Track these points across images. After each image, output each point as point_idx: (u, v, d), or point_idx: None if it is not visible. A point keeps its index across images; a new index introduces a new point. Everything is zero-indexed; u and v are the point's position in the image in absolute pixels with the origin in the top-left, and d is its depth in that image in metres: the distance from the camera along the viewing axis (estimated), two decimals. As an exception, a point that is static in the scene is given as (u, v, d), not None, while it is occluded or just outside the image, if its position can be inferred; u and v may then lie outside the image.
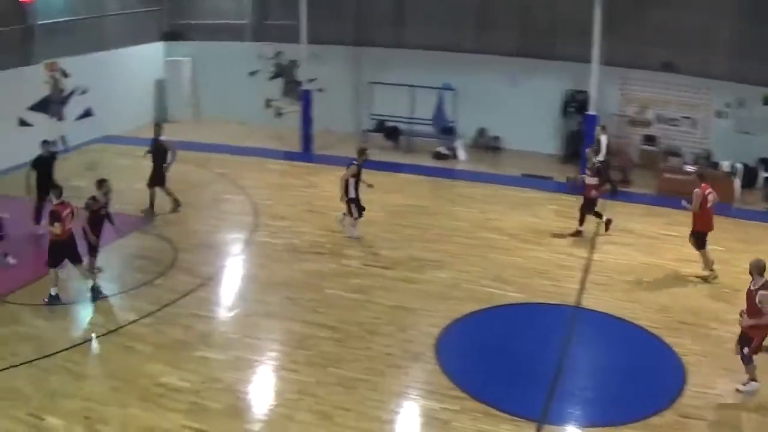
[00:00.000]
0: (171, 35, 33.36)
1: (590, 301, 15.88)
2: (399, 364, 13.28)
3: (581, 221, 19.37)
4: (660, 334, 14.36)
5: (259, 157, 26.99)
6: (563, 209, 20.09)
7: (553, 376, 13.03)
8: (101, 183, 16.96)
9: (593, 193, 19.18)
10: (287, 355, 13.85)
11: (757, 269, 12.60)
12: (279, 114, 30.35)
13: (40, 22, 27.80)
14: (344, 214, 19.53)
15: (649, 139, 25.12)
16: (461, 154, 26.42)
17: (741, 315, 12.61)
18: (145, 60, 32.31)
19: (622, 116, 25.47)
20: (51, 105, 27.86)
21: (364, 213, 19.45)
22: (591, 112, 23.50)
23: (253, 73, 30.46)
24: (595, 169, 19.31)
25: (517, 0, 26.64)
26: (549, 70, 25.82)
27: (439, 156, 25.89)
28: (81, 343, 14.67)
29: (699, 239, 17.23)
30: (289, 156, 27.14)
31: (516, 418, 11.92)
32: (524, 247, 18.86)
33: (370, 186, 19.65)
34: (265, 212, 21.35)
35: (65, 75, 28.32)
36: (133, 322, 15.40)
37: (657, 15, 24.68)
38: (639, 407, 12.25)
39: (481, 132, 27.49)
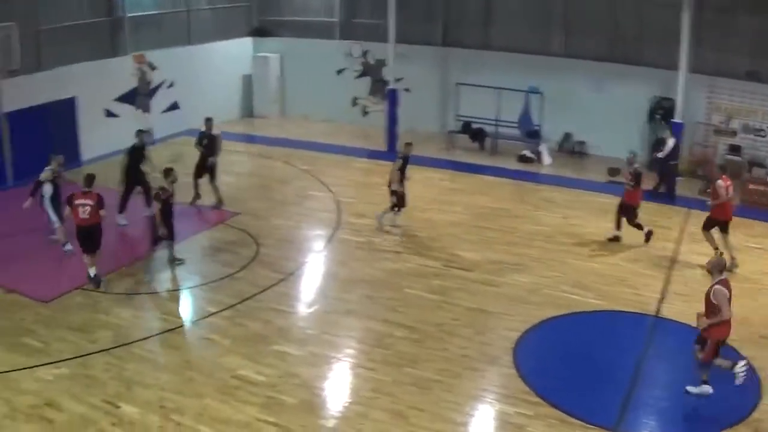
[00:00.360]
0: (259, 31, 33.70)
1: (670, 311, 15.51)
2: (475, 367, 13.19)
3: (617, 224, 19.04)
4: (739, 347, 14.02)
5: (344, 155, 27.11)
6: (646, 216, 19.70)
7: (629, 385, 12.81)
8: (168, 172, 17.32)
9: (632, 199, 18.83)
10: (364, 353, 13.85)
11: (717, 267, 12.44)
12: (365, 112, 30.60)
13: (129, 15, 28.36)
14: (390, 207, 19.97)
15: (734, 149, 24.55)
16: (546, 158, 26.15)
17: (698, 318, 12.34)
18: (233, 55, 32.70)
19: (708, 125, 24.93)
20: (138, 97, 28.52)
21: (402, 209, 19.98)
22: (677, 119, 23.05)
23: (340, 72, 30.76)
24: (633, 175, 18.79)
25: (605, 5, 26.25)
26: (636, 76, 25.36)
27: (523, 159, 25.70)
28: (159, 333, 14.91)
29: (722, 227, 17.85)
30: (373, 155, 27.13)
31: (590, 425, 11.75)
32: (605, 254, 18.57)
33: (406, 179, 20.19)
34: (348, 210, 21.43)
35: (153, 67, 28.94)
36: (213, 314, 15.61)
37: (744, 23, 24.08)
38: (713, 421, 12.01)
39: (567, 136, 27.17)
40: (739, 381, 12.22)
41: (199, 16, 31.53)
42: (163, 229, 16.95)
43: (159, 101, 29.30)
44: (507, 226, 19.80)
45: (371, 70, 30.66)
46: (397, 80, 27.38)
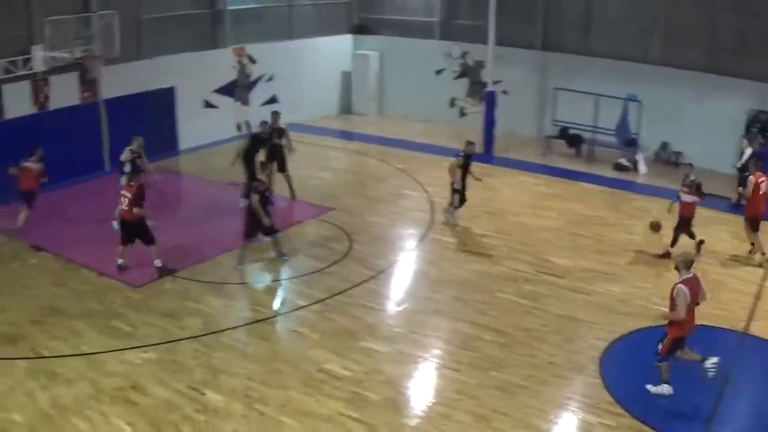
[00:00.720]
0: (360, 29, 34.05)
1: (759, 329, 15.14)
2: (562, 374, 13.14)
3: (674, 241, 18.46)
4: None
5: (440, 155, 26.98)
6: (737, 230, 19.36)
7: (714, 401, 12.58)
8: (264, 165, 17.63)
9: (688, 211, 18.38)
10: (451, 355, 13.91)
11: (684, 264, 12.40)
12: (463, 114, 30.65)
13: (230, 7, 28.96)
14: (450, 204, 20.27)
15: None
16: (642, 167, 25.75)
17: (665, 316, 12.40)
18: (333, 52, 33.12)
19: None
20: (237, 89, 29.09)
21: (463, 206, 20.38)
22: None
23: (439, 72, 30.86)
24: (692, 186, 18.32)
25: (707, 15, 25.75)
26: (734, 88, 24.76)
27: (619, 167, 25.37)
28: (249, 323, 15.25)
29: (753, 223, 18.31)
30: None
31: (673, 440, 11.62)
32: (696, 267, 18.17)
33: (478, 179, 20.49)
34: (442, 210, 21.40)
35: (252, 61, 29.48)
36: (303, 307, 15.90)
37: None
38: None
39: (664, 146, 26.70)
40: (707, 376, 12.16)
41: (300, 12, 32.04)
42: (267, 218, 17.33)
43: (258, 94, 29.83)
44: (600, 234, 19.63)
45: (470, 72, 30.69)
46: (496, 83, 27.36)
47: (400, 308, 15.97)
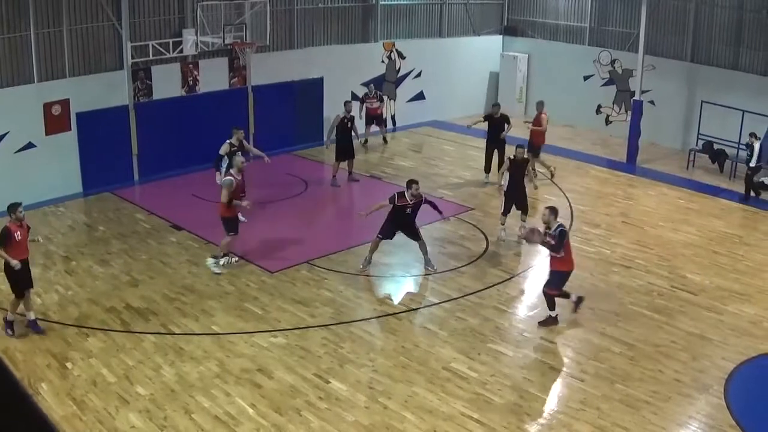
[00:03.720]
0: (510, 30, 34.29)
1: None
2: (686, 393, 13.09)
3: None
4: None
5: (582, 162, 27.13)
6: None
7: None
8: (410, 184, 17.75)
9: None
10: (578, 364, 14.00)
11: (553, 213, 15.13)
12: (608, 121, 30.55)
13: (382, 2, 29.72)
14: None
15: None
16: (783, 187, 25.10)
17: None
18: (482, 52, 33.55)
19: None
20: (385, 84, 29.78)
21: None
22: None
23: (587, 78, 30.80)
24: None
25: None
26: None
27: (761, 186, 24.86)
28: (380, 316, 15.71)
29: None
30: (612, 164, 27.06)
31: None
32: None
33: (535, 188, 21.10)
34: (581, 218, 21.59)
35: (402, 56, 30.09)
36: (435, 304, 16.29)
37: None
38: None
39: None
40: None
41: (451, 10, 32.50)
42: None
43: (405, 90, 30.48)
44: (737, 253, 19.33)
45: (618, 79, 30.55)
46: (644, 92, 27.21)
47: (532, 313, 16.08)
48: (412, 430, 12.05)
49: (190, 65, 24.64)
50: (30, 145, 21.34)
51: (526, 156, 20.29)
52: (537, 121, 24.69)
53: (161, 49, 23.49)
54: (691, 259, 19.03)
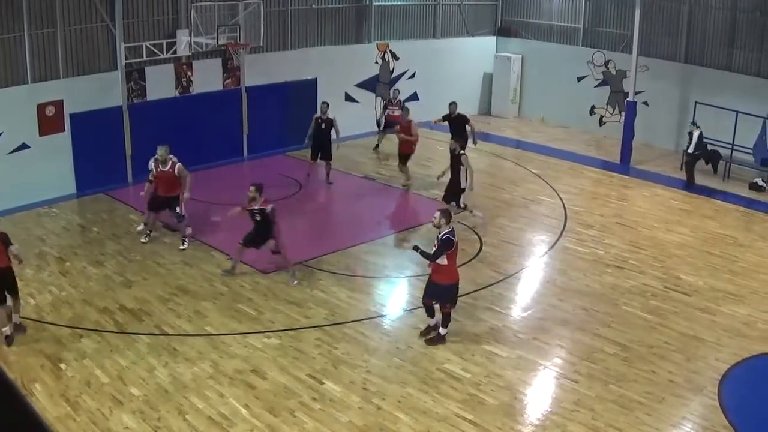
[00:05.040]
0: (504, 31, 34.32)
1: None
2: (680, 394, 13.10)
3: None
4: None
5: (576, 163, 27.17)
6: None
7: None
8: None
9: None
10: (572, 365, 13.98)
11: (445, 216, 14.13)
12: (602, 122, 30.60)
13: (376, 3, 29.74)
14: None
15: None
16: (777, 188, 25.19)
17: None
18: (476, 52, 33.60)
19: None
20: (378, 85, 29.80)
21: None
22: None
23: (581, 79, 30.84)
24: None
25: None
26: None
27: (755, 187, 24.80)
28: (374, 317, 15.70)
29: None
30: (606, 165, 27.12)
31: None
32: None
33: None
34: (574, 218, 21.60)
35: (395, 57, 30.11)
36: (428, 305, 16.32)
37: None
38: None
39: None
40: None
41: (445, 11, 32.55)
42: None
43: (399, 91, 30.44)
44: (731, 254, 19.36)
45: (611, 80, 30.59)
46: (637, 93, 27.24)
47: (525, 314, 16.09)
48: (406, 431, 12.04)
49: (184, 66, 24.60)
50: (24, 146, 21.26)
51: (458, 151, 20.15)
52: (406, 129, 24.10)
53: (155, 50, 23.44)
54: (685, 260, 19.05)
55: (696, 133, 24.92)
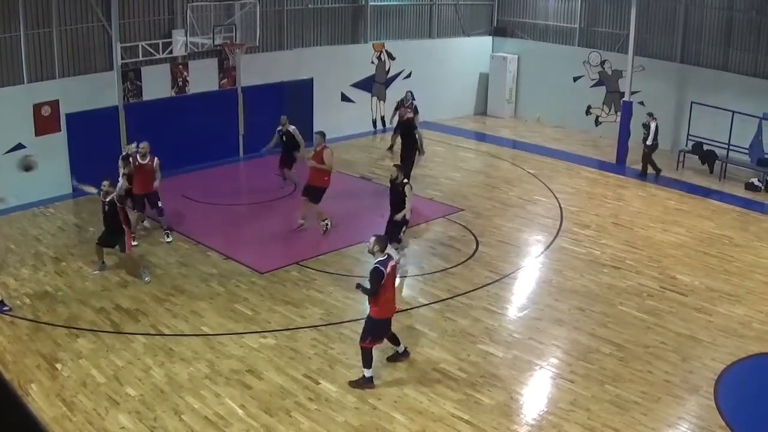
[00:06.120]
0: (499, 31, 34.33)
1: None
2: (676, 394, 13.10)
3: None
4: None
5: (572, 163, 27.18)
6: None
7: None
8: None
9: None
10: (568, 365, 13.97)
11: (379, 243, 12.88)
12: (598, 122, 30.62)
13: (372, 3, 29.77)
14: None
15: None
16: (773, 188, 25.21)
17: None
18: (472, 52, 33.63)
19: None
20: (374, 85, 29.83)
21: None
22: None
23: (576, 79, 30.87)
24: None
25: None
26: None
27: (751, 187, 24.82)
28: None
29: None
30: (602, 165, 27.15)
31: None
32: None
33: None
34: (571, 218, 21.60)
35: (391, 57, 30.13)
36: (424, 305, 16.26)
37: None
38: None
39: (799, 168, 26.10)
40: None
41: (441, 11, 32.55)
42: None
43: (395, 91, 30.47)
44: (727, 255, 19.36)
45: (607, 80, 30.62)
46: (633, 93, 27.27)
47: (521, 314, 16.09)
48: (402, 431, 12.04)
49: (180, 66, 24.60)
50: (19, 146, 21.22)
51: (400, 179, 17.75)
52: (318, 157, 19.62)
53: (151, 50, 23.44)
54: (681, 260, 19.06)
55: (653, 125, 25.40)
